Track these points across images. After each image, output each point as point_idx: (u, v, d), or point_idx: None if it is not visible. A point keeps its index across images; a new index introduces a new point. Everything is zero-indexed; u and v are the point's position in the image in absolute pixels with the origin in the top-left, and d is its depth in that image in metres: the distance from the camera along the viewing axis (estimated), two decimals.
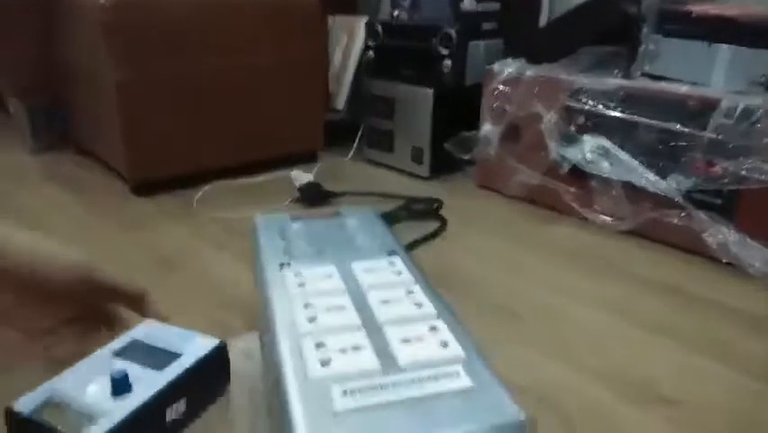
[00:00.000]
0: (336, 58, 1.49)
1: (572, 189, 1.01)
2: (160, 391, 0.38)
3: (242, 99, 1.18)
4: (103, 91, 1.06)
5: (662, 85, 0.90)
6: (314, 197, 1.06)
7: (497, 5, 1.23)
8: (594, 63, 1.03)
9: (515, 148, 1.08)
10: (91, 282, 0.45)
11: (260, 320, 0.62)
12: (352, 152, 1.38)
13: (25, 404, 0.36)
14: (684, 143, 0.86)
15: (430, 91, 1.18)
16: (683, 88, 0.87)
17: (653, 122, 0.89)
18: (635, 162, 0.91)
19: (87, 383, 0.38)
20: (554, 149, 1.00)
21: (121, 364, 0.40)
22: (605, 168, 0.93)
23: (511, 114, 1.07)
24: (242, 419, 0.52)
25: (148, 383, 0.39)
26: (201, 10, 1.08)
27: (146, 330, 0.45)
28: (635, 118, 0.90)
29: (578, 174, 0.99)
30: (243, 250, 0.70)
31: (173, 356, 0.42)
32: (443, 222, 0.98)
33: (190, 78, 1.10)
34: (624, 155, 0.92)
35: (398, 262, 0.53)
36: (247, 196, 1.12)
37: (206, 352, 0.43)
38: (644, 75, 0.95)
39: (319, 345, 0.40)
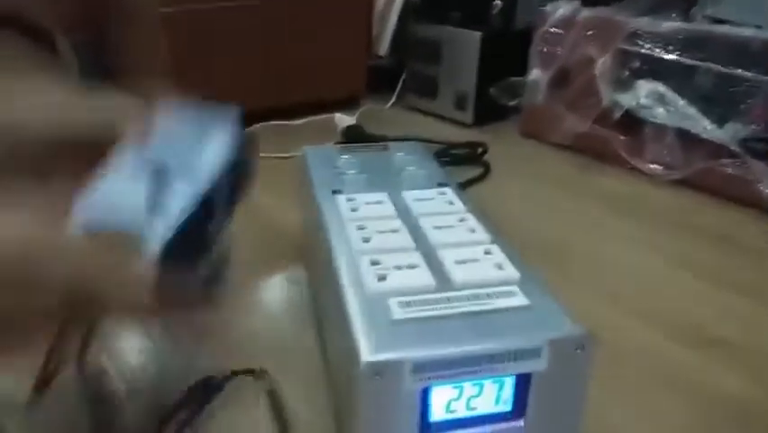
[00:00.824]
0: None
1: (623, 137, 0.98)
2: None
3: (284, 39, 1.17)
4: (146, 26, 1.07)
5: (724, 28, 0.86)
6: (357, 139, 1.06)
7: None
8: (652, 5, 0.99)
9: (564, 94, 1.06)
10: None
11: (307, 251, 0.64)
12: (394, 98, 1.36)
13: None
14: (744, 89, 0.82)
15: (477, 34, 1.15)
16: (747, 32, 0.83)
17: (713, 66, 0.85)
18: (692, 109, 0.87)
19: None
20: (607, 94, 0.97)
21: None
22: (660, 114, 0.90)
23: (562, 58, 1.04)
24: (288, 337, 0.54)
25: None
26: None
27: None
28: (695, 62, 0.87)
29: (629, 121, 0.96)
30: (288, 188, 0.71)
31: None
32: (487, 167, 0.97)
33: (233, 15, 1.09)
34: (680, 101, 0.89)
35: (450, 192, 0.53)
36: (290, 137, 1.12)
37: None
38: (705, 18, 0.91)
39: (374, 263, 0.41)
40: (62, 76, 0.36)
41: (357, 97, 1.35)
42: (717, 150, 0.86)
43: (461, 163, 0.99)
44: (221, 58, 1.10)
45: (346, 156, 0.63)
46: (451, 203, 0.51)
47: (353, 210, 0.49)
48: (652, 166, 0.95)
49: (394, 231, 0.45)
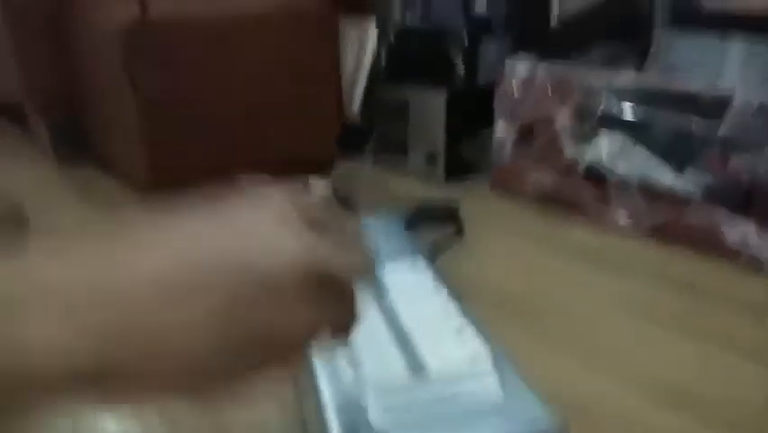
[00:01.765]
0: (348, 64, 1.50)
1: (589, 189, 1.01)
2: None
3: (256, 108, 1.19)
4: (122, 110, 1.08)
5: (676, 81, 0.90)
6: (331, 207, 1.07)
7: (507, 5, 1.23)
8: (607, 59, 1.03)
9: (529, 149, 1.09)
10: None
11: None
12: (365, 158, 1.39)
13: None
14: (700, 140, 0.86)
15: (443, 95, 1.18)
16: (697, 84, 0.87)
17: (668, 118, 0.89)
18: (652, 160, 0.91)
19: None
20: (570, 149, 1.01)
21: None
22: (621, 166, 0.93)
23: (525, 114, 1.08)
24: None
25: None
26: (218, 24, 1.10)
27: None
28: (650, 115, 0.90)
29: (594, 174, 0.99)
30: None
31: None
32: (460, 226, 0.99)
33: (207, 89, 1.11)
34: (640, 152, 0.92)
35: (422, 265, 0.54)
36: None
37: None
38: (657, 70, 0.95)
39: (349, 354, 0.41)
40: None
41: (330, 159, 1.37)
42: (681, 198, 0.89)
43: (435, 222, 1.01)
44: (196, 129, 1.11)
45: None
46: (423, 278, 0.52)
47: None
48: (620, 217, 0.98)
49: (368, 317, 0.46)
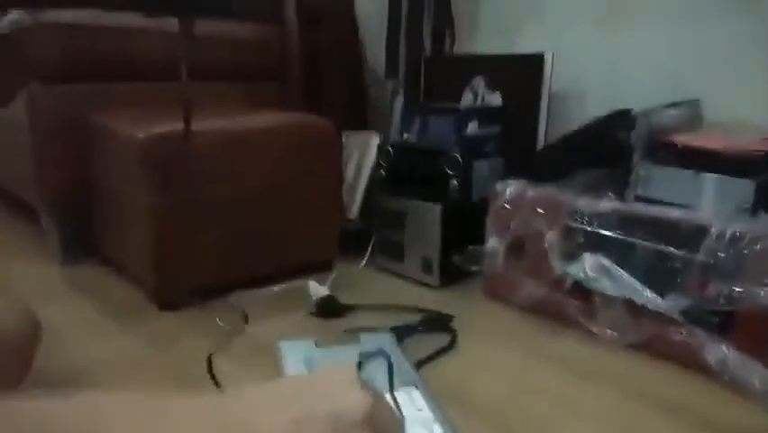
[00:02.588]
0: (350, 171, 1.59)
1: (576, 303, 1.06)
2: None
3: (262, 214, 1.26)
4: (134, 213, 1.15)
5: (655, 209, 0.98)
6: (329, 310, 1.12)
7: (498, 128, 1.34)
8: (591, 184, 1.11)
9: (520, 261, 1.15)
10: None
11: None
12: (364, 261, 1.44)
13: None
14: (679, 265, 0.92)
15: (438, 207, 1.26)
16: (675, 213, 0.95)
17: (649, 243, 0.95)
18: (634, 281, 0.96)
19: None
20: (557, 265, 1.06)
21: None
22: (605, 285, 0.99)
23: (515, 230, 1.14)
24: None
25: None
26: (229, 137, 1.19)
27: None
28: (631, 240, 0.97)
29: (581, 288, 1.04)
30: (268, 367, 0.74)
31: None
32: (454, 336, 1.03)
33: (216, 198, 1.18)
34: (623, 273, 0.98)
35: (415, 392, 0.58)
36: (268, 307, 1.17)
37: None
38: (638, 198, 1.03)
39: None
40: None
41: (330, 260, 1.42)
42: (664, 318, 0.94)
43: (431, 331, 1.05)
44: (204, 235, 1.17)
45: (320, 353, 0.68)
46: (419, 409, 0.56)
47: None
48: (606, 331, 1.02)
49: None
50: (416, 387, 0.59)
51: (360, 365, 0.37)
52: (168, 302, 1.16)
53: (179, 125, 1.09)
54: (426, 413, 0.55)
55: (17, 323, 0.74)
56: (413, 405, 0.56)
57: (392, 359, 0.67)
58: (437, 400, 0.56)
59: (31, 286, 1.31)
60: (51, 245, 1.41)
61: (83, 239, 1.38)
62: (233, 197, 1.20)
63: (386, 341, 0.71)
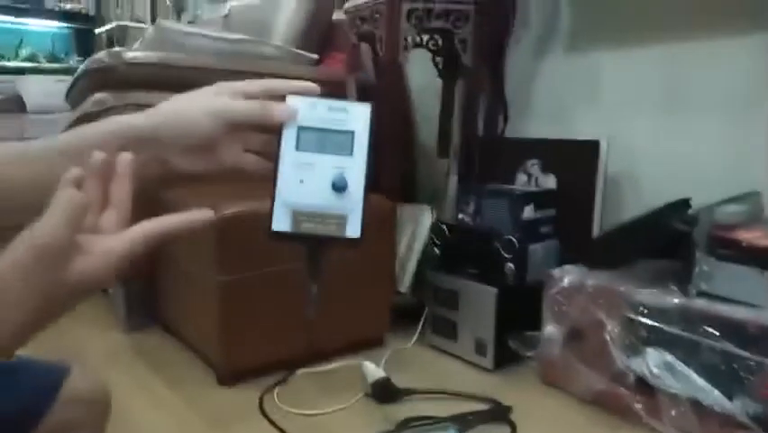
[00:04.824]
0: (402, 245, 1.62)
1: (639, 398, 1.04)
2: (366, 176, 0.42)
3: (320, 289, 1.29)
4: (203, 288, 1.19)
5: (720, 307, 0.97)
6: (385, 394, 1.12)
7: (553, 211, 1.35)
8: (652, 276, 1.11)
9: (579, 350, 1.14)
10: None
11: None
12: (416, 337, 1.45)
13: (280, 223, 0.41)
14: (747, 366, 0.90)
15: (493, 289, 1.26)
16: (741, 312, 0.94)
17: (714, 344, 0.94)
18: (701, 380, 0.95)
19: (306, 190, 0.41)
20: (619, 358, 1.05)
21: (309, 157, 0.42)
22: (671, 383, 0.97)
23: (573, 318, 1.14)
24: None
25: (351, 172, 0.42)
26: None
27: (302, 113, 0.44)
28: (696, 338, 0.96)
29: (645, 384, 1.02)
30: None
31: (349, 135, 0.43)
32: (514, 430, 1.02)
33: (278, 276, 1.22)
34: (689, 372, 0.96)
35: None
36: (322, 387, 1.19)
37: (369, 117, 0.44)
38: (701, 294, 1.02)
39: None
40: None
41: (382, 336, 1.43)
42: (732, 420, 0.91)
43: (490, 422, 1.04)
44: (266, 312, 1.20)
45: None
46: None
47: None
48: (670, 429, 1.00)
49: None
50: None
51: None
52: (228, 376, 1.19)
53: (252, 203, 1.13)
54: None
55: (91, 394, 0.77)
56: None
57: None
58: None
59: (96, 352, 1.36)
60: (117, 313, 1.47)
61: (147, 308, 1.43)
62: (291, 273, 1.24)
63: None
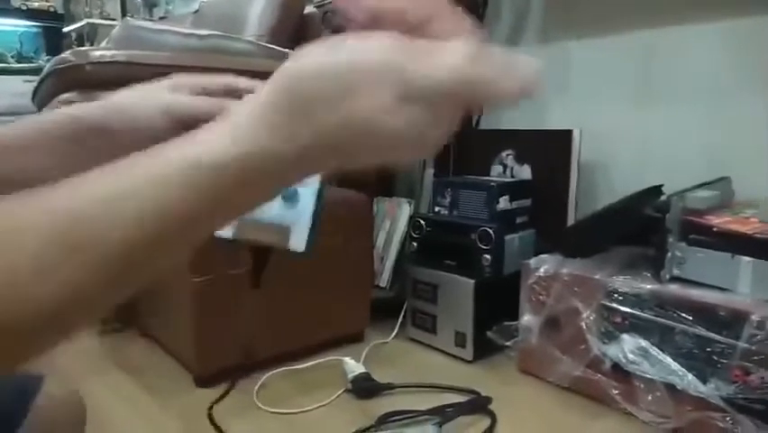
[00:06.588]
0: (380, 239, 1.61)
1: (615, 384, 1.05)
2: (318, 190, 0.43)
3: (297, 288, 1.28)
4: (177, 289, 1.17)
5: (692, 292, 0.98)
6: (365, 390, 1.12)
7: (528, 201, 1.36)
8: (625, 263, 1.12)
9: (555, 338, 1.15)
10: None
11: None
12: (395, 331, 1.45)
13: (223, 229, 0.41)
14: (720, 350, 0.92)
15: (471, 281, 1.27)
16: (713, 296, 0.95)
17: (688, 327, 0.95)
18: (675, 364, 0.96)
19: None
20: (595, 345, 1.06)
21: None
22: (646, 368, 0.99)
23: (550, 306, 1.15)
24: None
25: (304, 185, 0.43)
26: None
27: None
28: (670, 323, 0.97)
29: (620, 369, 1.04)
30: None
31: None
32: (493, 420, 1.02)
33: (251, 273, 1.21)
34: (663, 357, 0.97)
35: None
36: (302, 384, 1.18)
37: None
38: (673, 279, 1.03)
39: None
40: None
41: (362, 331, 1.43)
42: (706, 403, 0.93)
43: (470, 413, 1.04)
44: (241, 311, 1.19)
45: None
46: None
47: None
48: (646, 414, 1.01)
49: None
50: None
51: None
52: (204, 377, 1.17)
53: None
54: None
55: (66, 402, 0.75)
56: None
57: None
58: None
59: (71, 357, 1.33)
60: None
61: (122, 311, 1.40)
62: (267, 271, 1.23)
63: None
